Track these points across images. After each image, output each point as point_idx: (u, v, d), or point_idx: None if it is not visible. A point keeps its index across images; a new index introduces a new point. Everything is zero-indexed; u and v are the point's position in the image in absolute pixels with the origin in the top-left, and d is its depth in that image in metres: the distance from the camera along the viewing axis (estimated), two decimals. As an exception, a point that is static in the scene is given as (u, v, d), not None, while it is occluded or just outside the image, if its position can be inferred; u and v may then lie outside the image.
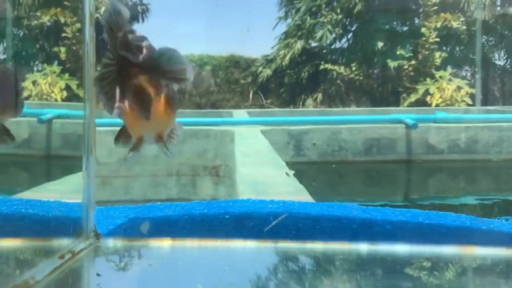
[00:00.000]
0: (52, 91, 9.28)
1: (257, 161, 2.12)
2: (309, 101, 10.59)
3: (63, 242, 0.76)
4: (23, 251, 0.77)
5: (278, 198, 1.47)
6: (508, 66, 11.71)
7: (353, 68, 10.72)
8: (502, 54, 11.78)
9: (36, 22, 10.12)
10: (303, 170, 4.09)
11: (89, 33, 0.88)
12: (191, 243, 0.82)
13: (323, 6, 11.56)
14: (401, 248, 0.82)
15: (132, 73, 0.58)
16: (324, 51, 11.50)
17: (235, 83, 11.75)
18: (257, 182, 1.64)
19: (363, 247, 0.82)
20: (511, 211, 3.59)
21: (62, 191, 1.47)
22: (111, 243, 0.81)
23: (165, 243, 0.82)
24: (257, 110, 7.68)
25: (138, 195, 3.94)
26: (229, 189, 3.77)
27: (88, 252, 0.76)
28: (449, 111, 6.88)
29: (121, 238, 0.82)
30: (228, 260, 0.79)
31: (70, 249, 0.73)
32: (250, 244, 0.82)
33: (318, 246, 0.82)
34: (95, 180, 0.91)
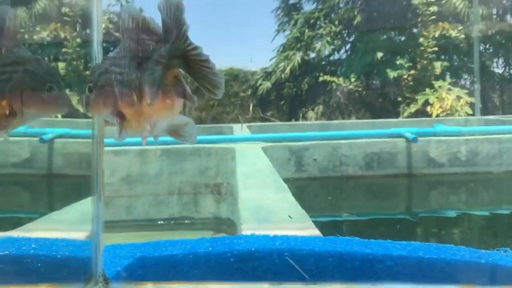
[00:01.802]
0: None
1: (259, 183, 2.13)
2: (310, 113, 10.63)
3: (72, 288, 0.78)
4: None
5: (280, 225, 1.49)
6: (507, 74, 11.76)
7: (352, 79, 10.77)
8: (500, 62, 11.85)
9: (35, 37, 10.20)
10: (304, 186, 4.10)
11: (97, 49, 0.89)
12: (199, 286, 0.84)
13: (322, 18, 11.66)
14: (403, 288, 0.84)
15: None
16: (323, 62, 11.57)
17: (235, 96, 11.80)
18: (259, 207, 1.66)
19: (366, 288, 0.84)
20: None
21: (69, 222, 1.49)
22: (120, 288, 0.82)
23: (173, 287, 0.84)
24: (257, 124, 7.71)
25: (140, 214, 3.95)
26: (231, 206, 3.79)
27: (98, 298, 0.78)
28: (449, 122, 6.91)
29: (130, 282, 0.83)
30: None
31: (79, 297, 0.75)
32: (257, 287, 0.84)
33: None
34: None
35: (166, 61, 0.67)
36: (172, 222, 3.96)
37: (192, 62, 0.68)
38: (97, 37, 0.88)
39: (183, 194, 4.04)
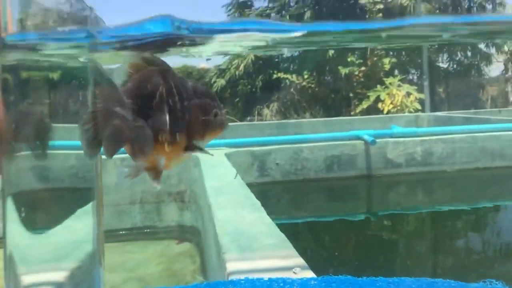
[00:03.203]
0: None
1: (232, 200, 2.13)
2: (266, 110, 10.68)
3: None
4: None
5: (263, 253, 1.49)
6: (451, 69, 12.26)
7: (305, 76, 10.90)
8: (445, 57, 12.33)
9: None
10: (267, 190, 4.13)
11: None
12: None
13: (273, 15, 11.71)
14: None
15: None
16: (276, 59, 11.64)
17: (189, 94, 11.67)
18: (238, 232, 1.65)
19: None
20: (467, 218, 3.78)
21: (42, 260, 1.43)
22: None
23: None
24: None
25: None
26: (195, 214, 3.76)
27: None
28: (400, 119, 7.14)
29: None
30: None
31: None
32: None
33: None
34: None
35: None
36: (134, 231, 3.90)
37: None
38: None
39: (145, 203, 3.97)
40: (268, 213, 1.91)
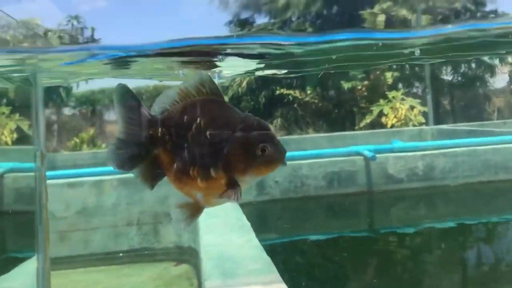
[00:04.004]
0: (2, 133, 8.98)
1: (222, 223, 2.07)
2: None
3: None
4: None
5: (246, 279, 1.43)
6: (455, 81, 12.19)
7: (308, 92, 10.87)
8: (448, 70, 12.26)
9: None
10: (267, 209, 4.07)
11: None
12: None
13: (275, 30, 11.76)
14: None
15: None
16: (279, 75, 11.64)
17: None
18: (223, 257, 1.60)
19: None
20: (472, 234, 3.70)
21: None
22: None
23: None
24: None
25: (98, 247, 3.81)
26: (193, 234, 3.70)
27: None
28: (404, 132, 7.07)
29: None
30: None
31: None
32: None
33: None
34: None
35: None
36: (131, 253, 3.84)
37: None
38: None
39: (142, 225, 3.92)
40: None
